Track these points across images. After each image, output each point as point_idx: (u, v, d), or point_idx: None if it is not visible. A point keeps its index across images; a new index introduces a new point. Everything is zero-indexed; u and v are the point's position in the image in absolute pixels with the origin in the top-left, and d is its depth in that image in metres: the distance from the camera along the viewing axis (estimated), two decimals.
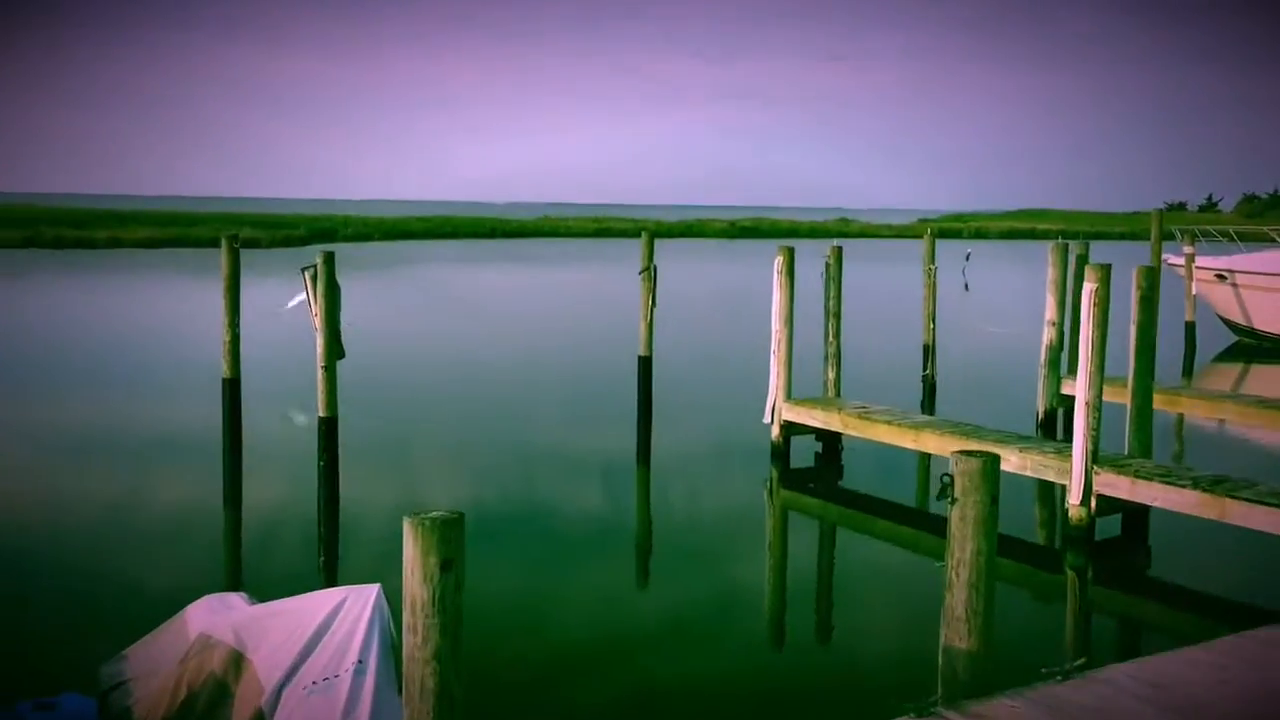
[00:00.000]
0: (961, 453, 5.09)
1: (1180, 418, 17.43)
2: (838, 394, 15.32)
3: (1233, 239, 28.70)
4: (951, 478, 5.07)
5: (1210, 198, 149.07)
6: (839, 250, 15.15)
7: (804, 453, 15.11)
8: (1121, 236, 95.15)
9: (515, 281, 49.37)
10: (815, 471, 14.89)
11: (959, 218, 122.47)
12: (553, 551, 11.50)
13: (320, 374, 12.03)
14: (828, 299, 15.23)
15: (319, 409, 12.14)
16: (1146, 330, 11.52)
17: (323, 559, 11.21)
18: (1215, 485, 10.24)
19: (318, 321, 11.95)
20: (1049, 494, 13.03)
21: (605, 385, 20.93)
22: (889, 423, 13.48)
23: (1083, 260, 17.18)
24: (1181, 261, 27.20)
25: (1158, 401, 13.14)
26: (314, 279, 11.90)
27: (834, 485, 14.64)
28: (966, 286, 44.89)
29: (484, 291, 43.82)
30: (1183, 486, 10.34)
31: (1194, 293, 26.96)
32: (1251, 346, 27.27)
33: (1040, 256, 17.64)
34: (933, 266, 19.73)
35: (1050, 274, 16.61)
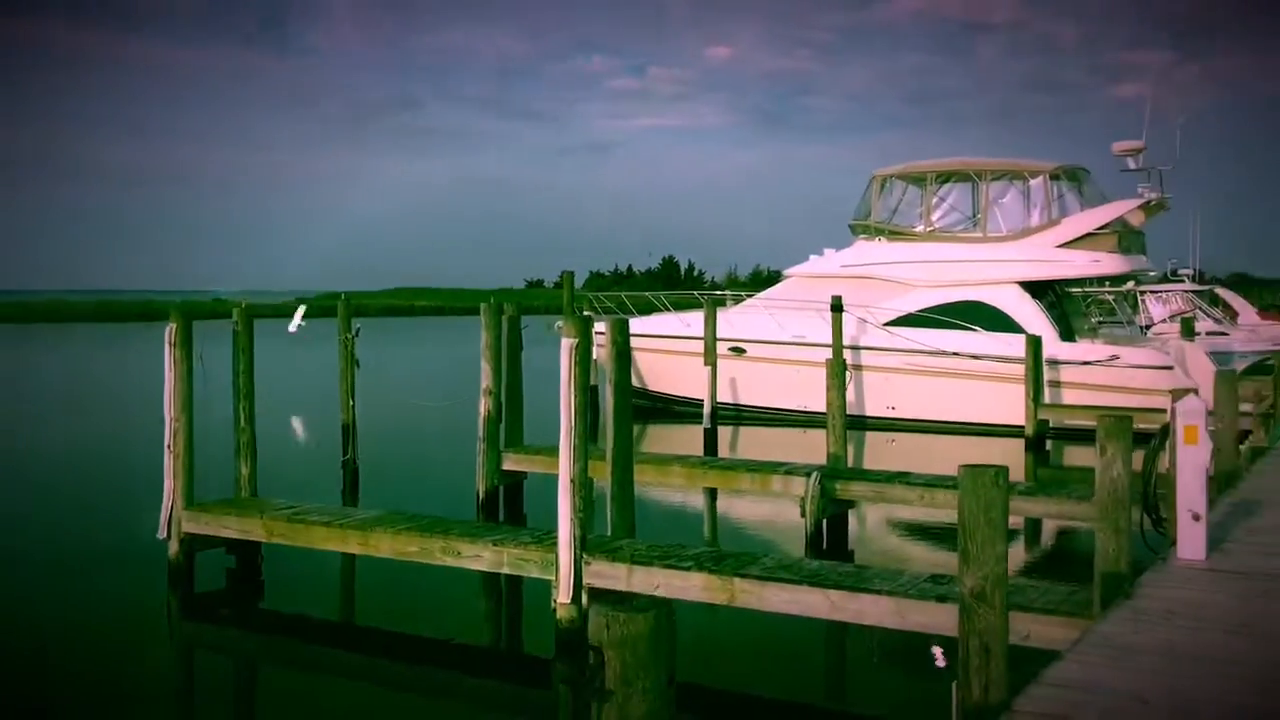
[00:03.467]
0: (611, 608, 2.86)
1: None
2: (254, 493, 12.34)
3: (626, 306, 29.78)
4: (600, 656, 2.81)
5: (572, 274, 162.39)
6: (246, 312, 12.26)
7: (214, 571, 11.93)
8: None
9: None
10: (228, 594, 11.79)
11: (335, 296, 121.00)
12: None
13: None
14: (236, 376, 12.23)
15: None
16: (625, 389, 10.20)
17: None
18: (720, 564, 9.02)
19: None
20: (521, 592, 11.27)
21: None
22: (328, 524, 10.85)
23: (514, 323, 15.92)
24: None
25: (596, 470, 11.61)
26: None
27: (254, 609, 11.68)
28: (358, 363, 43.27)
29: None
30: (685, 569, 8.98)
31: (594, 358, 27.34)
32: (645, 407, 28.23)
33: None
34: (349, 335, 17.40)
35: (484, 338, 15.04)
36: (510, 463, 15.41)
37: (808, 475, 13.31)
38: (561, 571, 9.34)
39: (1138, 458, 7.70)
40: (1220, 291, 48.20)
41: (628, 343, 10.38)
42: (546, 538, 9.81)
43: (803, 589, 8.45)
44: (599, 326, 18.38)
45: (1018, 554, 13.56)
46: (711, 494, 16.42)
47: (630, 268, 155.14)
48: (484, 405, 15.07)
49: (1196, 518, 7.71)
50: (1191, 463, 7.75)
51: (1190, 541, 7.72)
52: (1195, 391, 8.99)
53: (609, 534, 10.31)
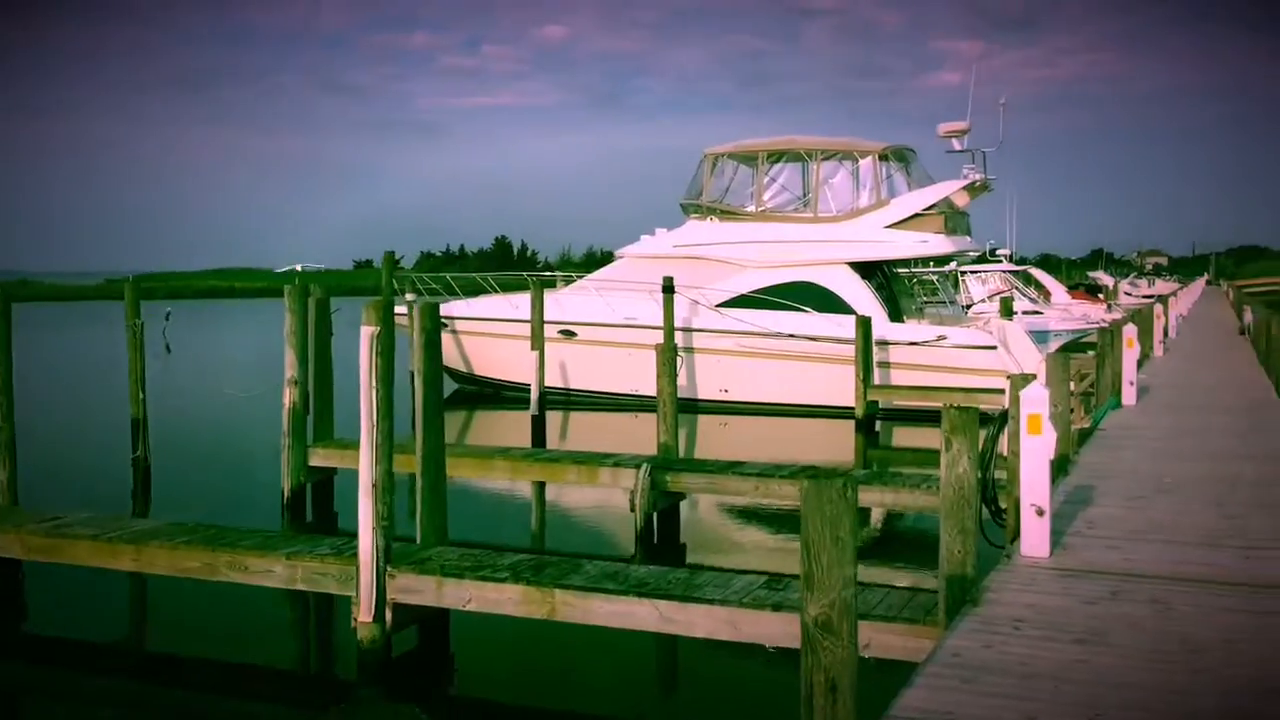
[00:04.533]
0: None
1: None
2: (14, 502, 10.88)
3: (453, 288, 28.57)
4: None
5: (394, 255, 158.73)
6: (4, 294, 10.74)
7: None
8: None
9: None
10: None
11: (152, 277, 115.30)
12: None
13: None
14: None
15: None
16: (435, 381, 9.25)
17: None
18: (539, 574, 8.19)
19: None
20: (330, 608, 10.17)
21: None
22: (94, 537, 9.55)
23: (323, 306, 14.69)
24: (404, 310, 26.23)
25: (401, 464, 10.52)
26: None
27: (13, 635, 10.28)
28: (169, 348, 40.84)
29: None
30: (500, 580, 8.12)
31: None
32: (472, 392, 27.17)
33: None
34: (137, 321, 15.79)
35: (288, 323, 13.80)
36: (318, 458, 14.22)
37: (637, 467, 12.60)
38: (362, 587, 8.36)
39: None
40: (1034, 271, 50.07)
41: (438, 329, 9.43)
42: (347, 548, 8.81)
43: (629, 600, 7.71)
44: (400, 310, 17.12)
45: None
46: (540, 488, 15.59)
47: (463, 248, 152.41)
48: (288, 396, 13.84)
49: (1040, 512, 7.27)
50: (1035, 454, 7.30)
51: (1034, 537, 7.28)
52: (1034, 377, 8.73)
53: (419, 541, 9.36)
